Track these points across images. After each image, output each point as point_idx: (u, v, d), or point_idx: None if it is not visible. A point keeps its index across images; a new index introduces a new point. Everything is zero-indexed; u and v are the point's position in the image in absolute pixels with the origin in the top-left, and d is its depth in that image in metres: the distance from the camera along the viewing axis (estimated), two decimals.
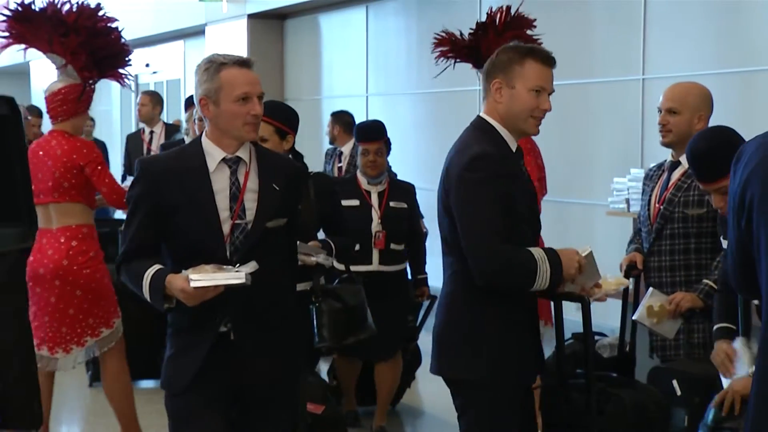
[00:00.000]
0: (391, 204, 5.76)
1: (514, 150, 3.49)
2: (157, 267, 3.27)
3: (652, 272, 4.46)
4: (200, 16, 13.90)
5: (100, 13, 5.35)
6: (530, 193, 3.55)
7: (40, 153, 5.22)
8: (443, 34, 5.76)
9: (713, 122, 4.42)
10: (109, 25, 5.36)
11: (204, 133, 3.43)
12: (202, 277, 3.16)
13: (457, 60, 5.76)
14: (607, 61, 8.53)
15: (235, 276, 3.17)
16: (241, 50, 13.18)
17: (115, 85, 5.48)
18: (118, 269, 3.37)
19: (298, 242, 3.82)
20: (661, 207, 4.40)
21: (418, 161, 10.44)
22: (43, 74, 19.94)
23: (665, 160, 4.52)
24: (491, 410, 3.45)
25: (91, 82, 5.27)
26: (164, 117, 10.11)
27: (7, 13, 5.37)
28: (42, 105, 8.93)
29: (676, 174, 4.40)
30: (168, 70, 16.59)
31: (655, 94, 7.89)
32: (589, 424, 3.72)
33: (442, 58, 5.81)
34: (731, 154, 3.58)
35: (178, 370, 3.38)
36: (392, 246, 5.76)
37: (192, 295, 3.17)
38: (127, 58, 5.48)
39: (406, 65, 11.20)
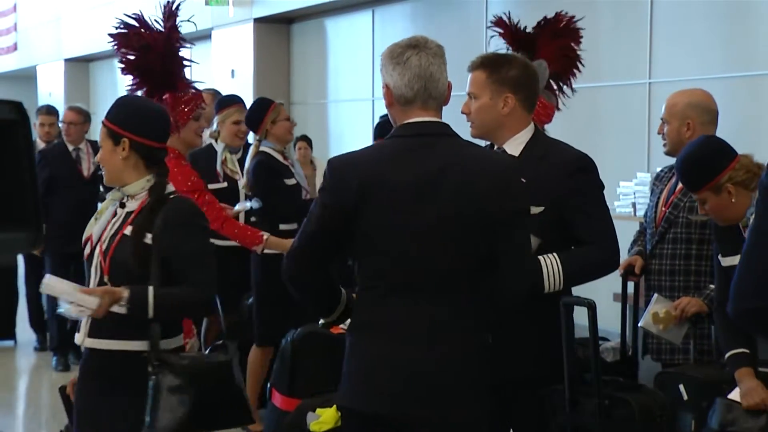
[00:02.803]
0: None
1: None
2: None
3: (652, 275, 4.48)
4: (206, 20, 13.91)
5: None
6: None
7: None
8: (503, 18, 5.29)
9: (721, 126, 4.44)
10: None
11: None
12: None
13: (511, 48, 5.45)
14: (613, 65, 8.52)
15: None
16: (248, 54, 13.20)
17: (122, 91, 5.39)
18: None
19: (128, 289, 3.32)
20: (667, 210, 4.41)
21: None
22: (49, 79, 19.97)
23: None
24: None
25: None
26: None
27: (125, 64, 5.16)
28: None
29: None
30: None
31: (661, 99, 7.85)
32: (596, 429, 3.72)
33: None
34: (714, 162, 3.67)
35: None
36: None
37: None
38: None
39: None
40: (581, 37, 5.15)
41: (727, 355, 3.83)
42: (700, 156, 3.78)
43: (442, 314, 3.00)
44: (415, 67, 3.00)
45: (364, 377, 3.05)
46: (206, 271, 3.48)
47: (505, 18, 5.13)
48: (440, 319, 2.99)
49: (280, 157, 6.06)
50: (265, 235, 5.52)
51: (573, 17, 5.00)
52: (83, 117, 8.29)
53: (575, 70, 5.04)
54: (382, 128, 5.53)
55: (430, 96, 3.02)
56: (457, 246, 2.98)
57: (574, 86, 5.08)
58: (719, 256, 3.90)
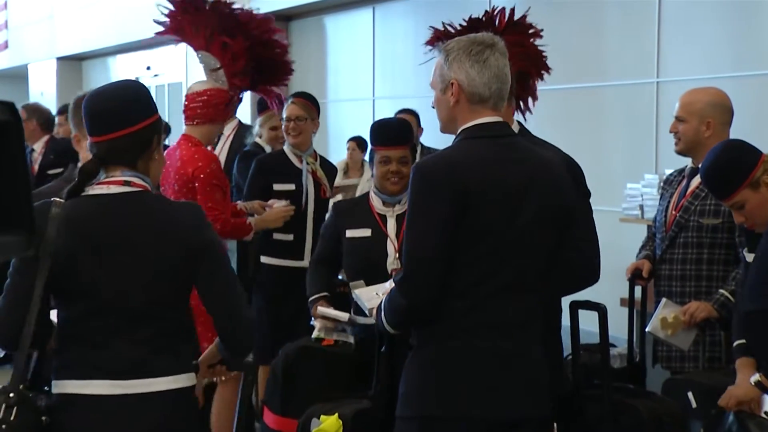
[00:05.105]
0: None
1: None
2: None
3: (662, 280, 4.41)
4: None
5: (272, 26, 5.20)
6: None
7: (168, 162, 4.57)
8: (435, 28, 5.12)
9: (732, 126, 4.37)
10: (276, 38, 5.18)
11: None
12: None
13: None
14: (620, 65, 8.47)
15: None
16: None
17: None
18: None
19: None
20: (678, 214, 4.35)
21: None
22: (41, 78, 19.85)
23: (686, 166, 4.46)
24: None
25: (239, 92, 4.96)
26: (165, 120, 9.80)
27: (171, 5, 5.09)
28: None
29: (695, 182, 4.35)
30: (170, 73, 16.47)
31: (669, 98, 7.83)
32: None
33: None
34: (740, 169, 3.60)
35: None
36: None
37: None
38: (287, 76, 5.21)
39: (413, 68, 11.11)
40: (532, 29, 4.62)
41: (735, 343, 3.78)
42: (730, 157, 3.70)
43: (535, 311, 3.04)
44: (493, 68, 3.00)
45: (478, 382, 2.96)
46: None
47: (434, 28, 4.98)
48: (534, 317, 3.03)
49: (295, 160, 5.56)
50: (252, 221, 5.13)
51: (512, 10, 4.54)
52: (26, 114, 7.99)
53: (543, 71, 4.46)
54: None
55: (501, 97, 3.03)
56: (546, 242, 3.02)
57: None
58: (744, 251, 3.87)
